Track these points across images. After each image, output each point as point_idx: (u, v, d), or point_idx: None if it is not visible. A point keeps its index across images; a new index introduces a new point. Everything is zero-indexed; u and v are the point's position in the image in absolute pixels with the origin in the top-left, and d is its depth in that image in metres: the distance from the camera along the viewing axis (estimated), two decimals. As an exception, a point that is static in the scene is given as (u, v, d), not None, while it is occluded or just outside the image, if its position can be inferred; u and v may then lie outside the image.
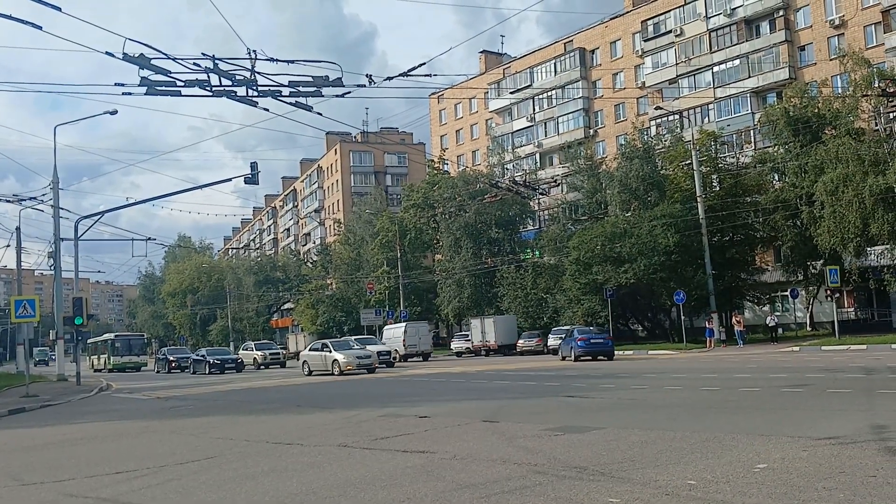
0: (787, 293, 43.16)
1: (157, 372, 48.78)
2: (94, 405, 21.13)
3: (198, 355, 45.34)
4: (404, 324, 49.13)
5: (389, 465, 8.43)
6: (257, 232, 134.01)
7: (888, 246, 36.19)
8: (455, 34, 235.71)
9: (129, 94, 14.03)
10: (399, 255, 60.26)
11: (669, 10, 57.37)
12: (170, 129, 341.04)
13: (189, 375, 42.49)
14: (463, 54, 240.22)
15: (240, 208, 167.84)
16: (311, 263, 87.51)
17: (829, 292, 38.76)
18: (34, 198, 34.47)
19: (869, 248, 37.29)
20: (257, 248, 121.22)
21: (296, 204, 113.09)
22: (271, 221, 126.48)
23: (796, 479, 6.68)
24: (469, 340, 51.01)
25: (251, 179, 28.24)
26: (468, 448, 9.20)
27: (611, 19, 63.59)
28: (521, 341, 47.22)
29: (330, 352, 31.50)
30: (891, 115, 35.32)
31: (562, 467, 7.71)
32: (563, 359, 34.05)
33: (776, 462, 7.41)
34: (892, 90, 30.45)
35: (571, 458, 8.16)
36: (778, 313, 46.46)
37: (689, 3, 56.39)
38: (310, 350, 34.18)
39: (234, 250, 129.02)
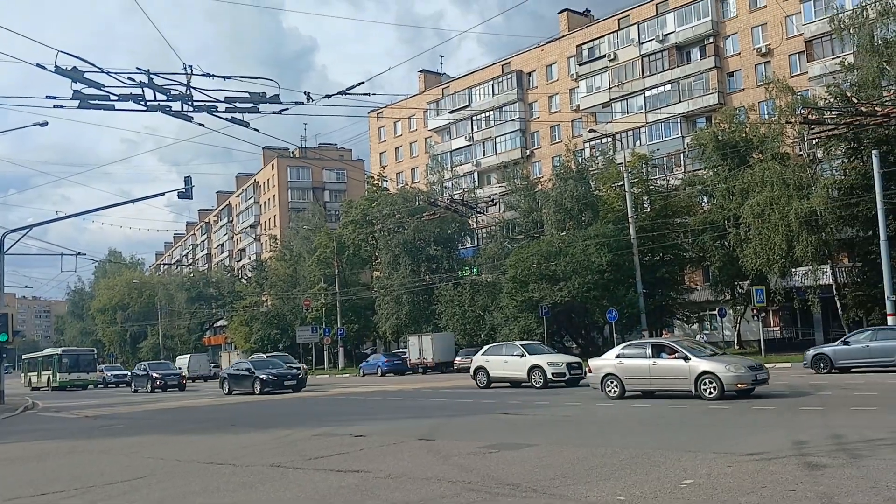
0: (716, 312, 44.29)
1: (135, 391, 40.55)
2: (18, 425, 20.41)
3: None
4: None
5: (323, 484, 8.40)
6: (190, 247, 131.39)
7: (811, 267, 37.54)
8: (396, 51, 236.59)
9: (62, 107, 13.75)
10: (337, 271, 59.83)
11: (603, 36, 58.70)
12: (102, 142, 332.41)
13: (120, 392, 41.42)
14: (403, 71, 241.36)
15: (173, 223, 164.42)
16: (246, 280, 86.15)
17: (755, 311, 40.05)
18: (-44, 210, 33.12)
19: (794, 269, 38.63)
20: (190, 264, 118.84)
21: (231, 219, 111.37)
22: (205, 237, 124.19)
23: (721, 494, 6.91)
24: (406, 358, 50.91)
25: (185, 194, 27.83)
26: (403, 467, 9.22)
27: (547, 43, 64.74)
28: (458, 358, 47.24)
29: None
30: (814, 140, 36.72)
31: (495, 484, 7.81)
32: None
33: (702, 478, 7.65)
34: (814, 118, 31.69)
35: (505, 476, 8.27)
36: (707, 331, 47.72)
37: (622, 28, 57.83)
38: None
39: (167, 266, 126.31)
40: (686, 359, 17.15)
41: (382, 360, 50.47)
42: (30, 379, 56.23)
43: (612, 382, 18.46)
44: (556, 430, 12.96)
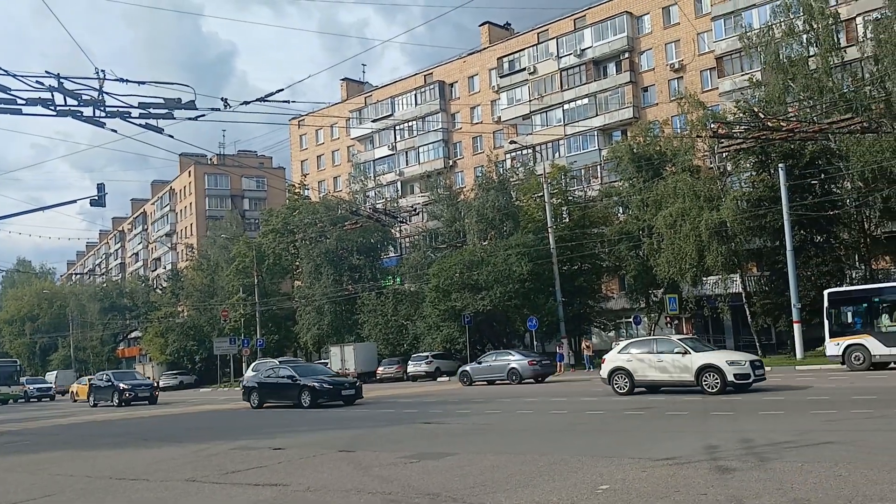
0: (631, 319, 45.43)
1: (95, 405, 35.26)
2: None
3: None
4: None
5: (240, 499, 8.26)
6: (103, 256, 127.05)
7: (722, 276, 38.93)
8: (319, 58, 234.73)
9: (-38, 110, 13.14)
10: (256, 281, 58.77)
11: (524, 49, 59.66)
12: (11, 147, 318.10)
13: (52, 406, 39.60)
14: (325, 79, 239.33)
15: (85, 231, 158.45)
16: (161, 290, 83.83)
17: (668, 319, 41.33)
18: None
19: (705, 278, 39.98)
20: (103, 274, 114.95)
21: (146, 227, 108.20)
22: (119, 245, 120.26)
23: (635, 499, 7.08)
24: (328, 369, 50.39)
25: (97, 201, 26.80)
26: (323, 479, 9.14)
27: (469, 55, 65.40)
28: (381, 368, 47.16)
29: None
30: (724, 154, 38.11)
31: (415, 495, 7.82)
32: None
33: (618, 483, 7.83)
34: (723, 132, 32.91)
35: (425, 485, 8.29)
36: (622, 339, 48.78)
37: (541, 42, 58.92)
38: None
39: (78, 276, 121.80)
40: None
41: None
42: None
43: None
44: (476, 439, 13.05)
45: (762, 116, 33.46)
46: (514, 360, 31.96)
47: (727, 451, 9.53)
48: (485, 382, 32.47)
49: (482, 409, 18.91)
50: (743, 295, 39.46)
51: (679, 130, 44.24)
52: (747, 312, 39.20)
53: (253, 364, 40.08)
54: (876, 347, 25.70)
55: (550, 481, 8.12)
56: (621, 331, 50.46)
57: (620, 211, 45.98)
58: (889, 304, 26.90)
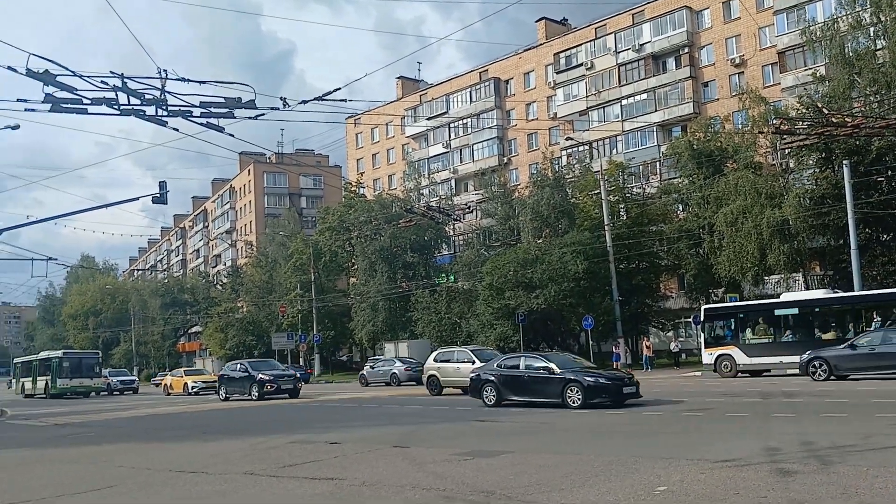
0: (690, 319, 44.68)
1: (226, 399, 30.82)
2: (-16, 433, 20.08)
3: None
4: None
5: (297, 492, 8.35)
6: (165, 253, 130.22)
7: (784, 275, 38.02)
8: (375, 56, 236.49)
9: (33, 110, 13.58)
10: (313, 278, 59.54)
11: (581, 44, 59.15)
12: (76, 145, 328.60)
13: (91, 400, 40.64)
14: (381, 77, 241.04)
15: (147, 228, 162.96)
16: (221, 286, 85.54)
17: (729, 319, 40.41)
18: (-76, 214, 32.50)
19: (766, 277, 39.08)
20: (164, 270, 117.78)
21: (206, 224, 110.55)
22: (180, 242, 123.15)
23: (694, 501, 6.95)
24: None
25: (160, 199, 27.45)
26: (378, 474, 9.19)
27: (525, 51, 65.09)
28: (434, 365, 47.23)
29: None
30: (786, 151, 37.21)
31: (469, 492, 7.80)
32: None
33: (675, 485, 7.69)
34: (786, 128, 32.08)
35: (479, 483, 8.26)
36: (682, 339, 48.02)
37: (599, 37, 58.32)
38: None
39: (140, 271, 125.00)
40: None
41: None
42: (22, 385, 50.92)
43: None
44: (530, 437, 12.97)
45: (826, 112, 32.49)
46: (395, 366, 39.49)
47: (788, 454, 9.29)
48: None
49: (537, 408, 18.78)
50: (806, 294, 38.47)
51: (740, 126, 43.33)
52: (810, 312, 38.19)
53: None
54: (741, 358, 29.30)
55: (606, 482, 8.02)
56: (680, 331, 49.69)
57: (680, 208, 45.18)
58: (752, 321, 30.52)
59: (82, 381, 45.53)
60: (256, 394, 29.22)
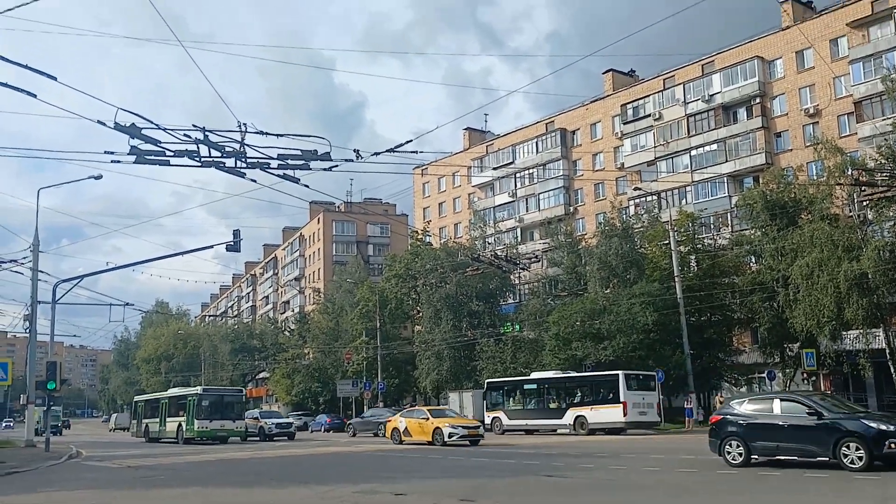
0: (765, 375, 43.24)
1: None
2: (62, 473, 20.56)
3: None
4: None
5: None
6: (236, 299, 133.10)
7: (863, 330, 36.55)
8: (443, 107, 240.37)
9: (118, 162, 14.18)
10: (378, 325, 59.88)
11: (648, 95, 58.97)
12: (153, 194, 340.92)
13: (165, 446, 40.35)
14: (449, 128, 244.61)
15: (219, 275, 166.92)
16: (289, 332, 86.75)
17: (805, 375, 39.02)
18: (14, 260, 34.00)
19: (844, 332, 37.65)
20: (235, 316, 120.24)
21: (276, 271, 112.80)
22: (250, 288, 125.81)
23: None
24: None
25: (233, 247, 28.28)
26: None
27: (591, 102, 65.21)
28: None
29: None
30: (864, 202, 36.12)
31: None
32: None
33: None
34: (864, 179, 31.26)
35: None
36: (755, 394, 46.46)
37: (667, 88, 58.07)
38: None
39: (212, 317, 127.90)
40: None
41: (324, 420, 57.81)
42: (146, 427, 44.51)
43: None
44: (601, 494, 12.65)
45: (907, 162, 31.61)
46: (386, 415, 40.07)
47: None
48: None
49: (606, 463, 18.37)
50: (887, 351, 36.92)
51: (815, 177, 42.32)
52: (892, 369, 36.64)
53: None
54: (506, 420, 39.61)
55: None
56: (754, 386, 48.12)
57: (753, 260, 44.04)
58: (512, 392, 40.75)
59: (224, 424, 38.63)
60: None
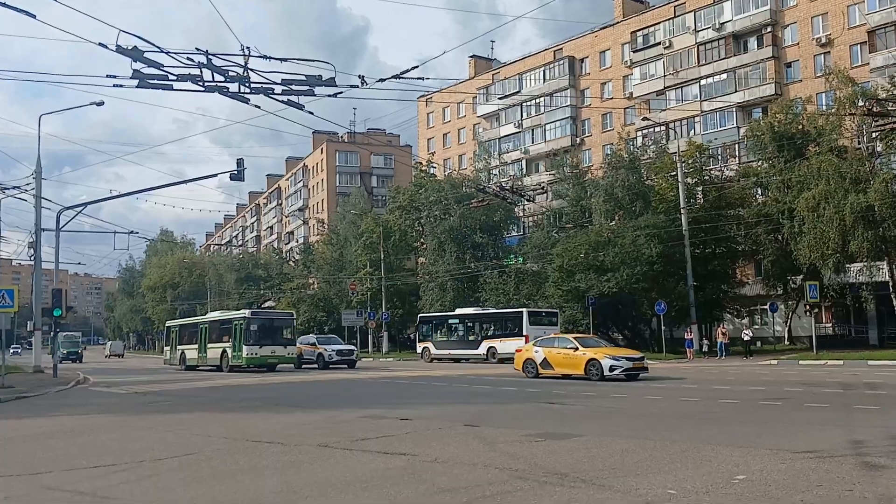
0: (767, 307, 43.50)
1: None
2: (70, 398, 20.93)
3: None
4: None
5: (370, 466, 8.44)
6: (240, 229, 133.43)
7: (867, 263, 36.59)
8: (448, 32, 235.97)
9: (121, 86, 13.97)
10: (382, 256, 60.13)
11: (659, 23, 57.76)
12: (154, 122, 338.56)
13: (172, 371, 39.87)
14: (454, 55, 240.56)
15: (223, 204, 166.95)
16: (294, 262, 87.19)
17: (807, 307, 39.20)
18: (16, 187, 34.00)
19: (848, 265, 37.70)
20: (239, 246, 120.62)
21: (280, 202, 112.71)
22: (255, 219, 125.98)
23: (774, 491, 6.76)
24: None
25: (237, 176, 28.17)
26: (449, 452, 9.22)
27: (601, 29, 63.90)
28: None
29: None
30: (874, 134, 35.69)
31: (543, 473, 7.75)
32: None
33: (755, 474, 7.50)
34: (876, 110, 30.78)
35: (552, 465, 8.21)
36: (757, 326, 46.85)
37: (678, 16, 56.83)
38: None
39: (217, 246, 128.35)
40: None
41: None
42: (181, 354, 41.22)
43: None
44: (603, 422, 12.83)
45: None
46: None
47: (875, 447, 8.96)
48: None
49: (607, 392, 18.60)
50: (890, 284, 37.03)
51: (824, 108, 41.70)
52: (894, 302, 36.78)
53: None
54: (433, 350, 45.21)
55: (683, 469, 7.87)
56: (756, 318, 48.47)
57: (759, 192, 43.81)
58: (440, 326, 46.45)
59: (274, 350, 35.06)
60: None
